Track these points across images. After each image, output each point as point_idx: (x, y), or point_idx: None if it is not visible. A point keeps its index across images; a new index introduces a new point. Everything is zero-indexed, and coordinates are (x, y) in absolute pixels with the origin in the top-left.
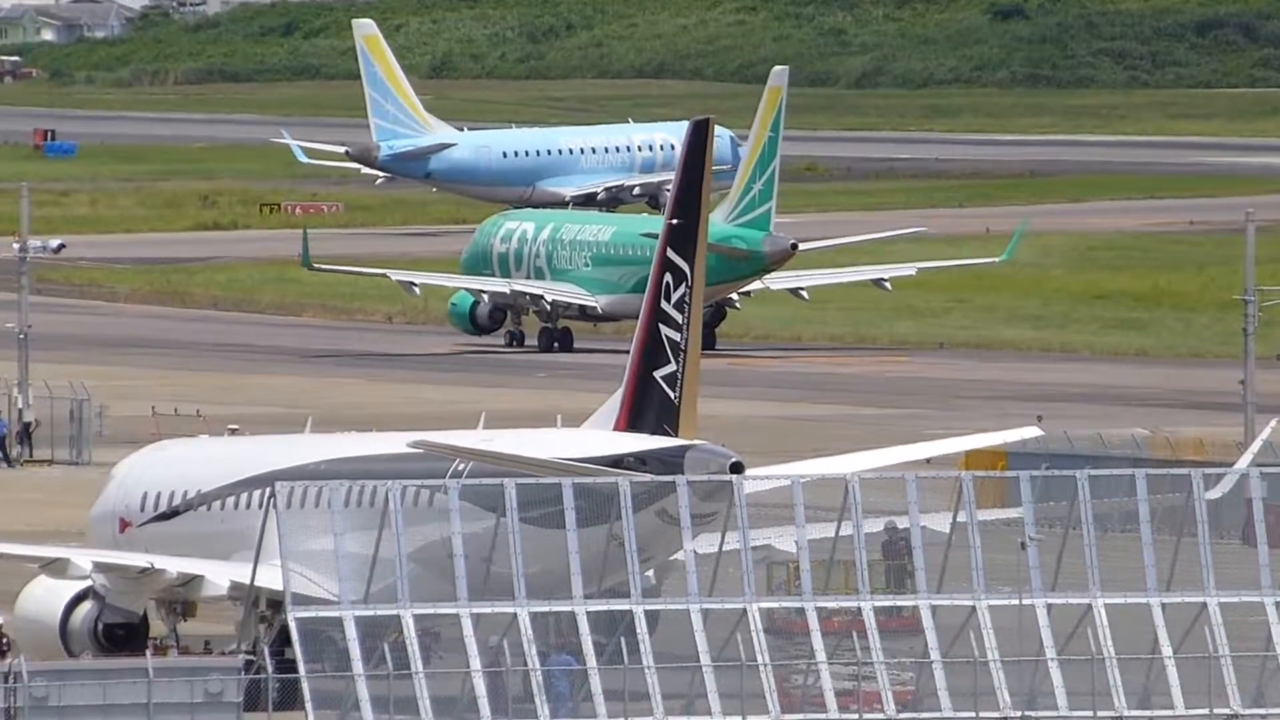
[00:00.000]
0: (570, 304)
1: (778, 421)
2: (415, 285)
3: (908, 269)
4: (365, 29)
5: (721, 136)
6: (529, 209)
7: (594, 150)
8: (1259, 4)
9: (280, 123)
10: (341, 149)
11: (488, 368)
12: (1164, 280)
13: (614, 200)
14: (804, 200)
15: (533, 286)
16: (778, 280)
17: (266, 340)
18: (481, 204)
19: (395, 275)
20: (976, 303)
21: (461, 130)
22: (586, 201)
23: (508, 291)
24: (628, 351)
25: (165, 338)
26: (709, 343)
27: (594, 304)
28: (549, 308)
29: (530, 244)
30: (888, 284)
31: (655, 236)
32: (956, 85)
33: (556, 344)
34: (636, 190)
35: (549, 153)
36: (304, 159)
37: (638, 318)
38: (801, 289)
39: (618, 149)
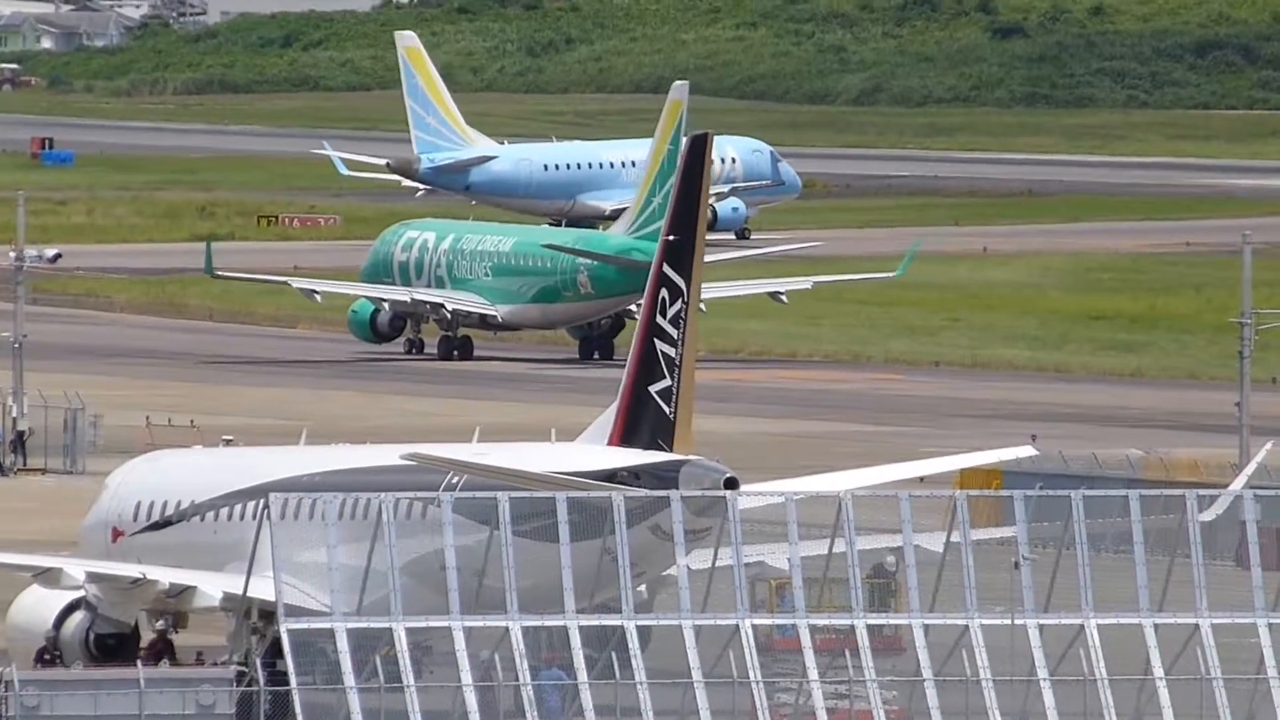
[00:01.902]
0: (470, 313)
1: (772, 438)
2: (317, 293)
3: (803, 282)
4: (407, 40)
5: (761, 151)
6: (430, 219)
7: (634, 164)
8: (1258, 26)
9: (279, 134)
10: (382, 161)
11: (486, 381)
12: (1160, 302)
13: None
14: (801, 217)
15: (433, 295)
16: None
17: (262, 352)
18: (523, 217)
19: (296, 283)
20: (972, 322)
21: (503, 143)
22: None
23: (408, 300)
24: (527, 359)
25: (161, 348)
26: (606, 352)
27: (494, 313)
28: (449, 316)
29: (431, 253)
30: (784, 297)
31: (555, 248)
32: (955, 103)
33: (456, 352)
34: None
35: (590, 166)
36: (345, 171)
37: (537, 327)
38: (699, 301)
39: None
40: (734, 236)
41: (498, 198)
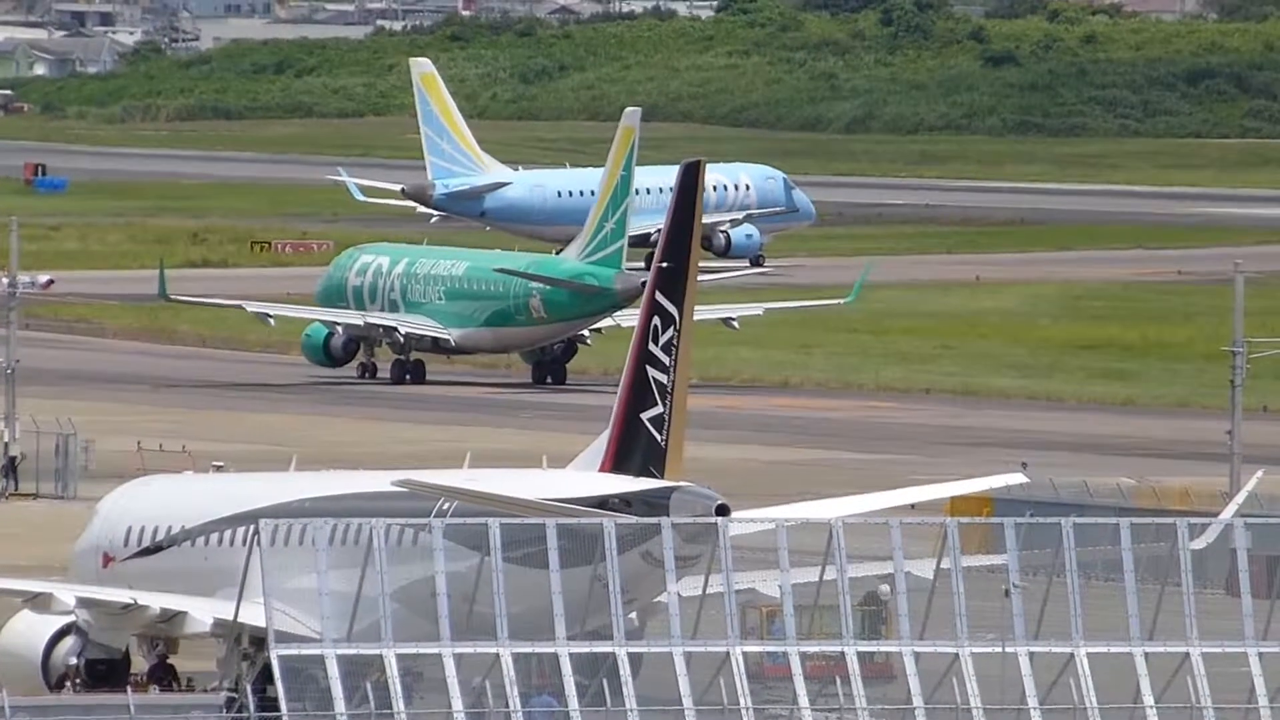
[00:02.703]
0: (423, 336)
1: (763, 465)
2: (270, 317)
3: (755, 309)
4: (422, 68)
5: (775, 178)
6: (384, 243)
7: (649, 191)
8: (1250, 55)
9: (272, 160)
10: (397, 187)
11: (475, 407)
12: (1152, 330)
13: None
14: (793, 244)
15: (387, 319)
16: (628, 317)
17: (252, 377)
18: (536, 244)
19: (251, 307)
20: (964, 350)
21: (517, 169)
22: (640, 243)
23: (362, 324)
24: (479, 383)
25: (152, 374)
26: (559, 377)
27: (447, 337)
28: (402, 340)
29: (385, 277)
30: (735, 323)
31: (508, 272)
32: (947, 131)
33: (409, 375)
34: None
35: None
36: (360, 197)
37: (490, 351)
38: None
39: (670, 190)
40: (748, 263)
41: (512, 224)
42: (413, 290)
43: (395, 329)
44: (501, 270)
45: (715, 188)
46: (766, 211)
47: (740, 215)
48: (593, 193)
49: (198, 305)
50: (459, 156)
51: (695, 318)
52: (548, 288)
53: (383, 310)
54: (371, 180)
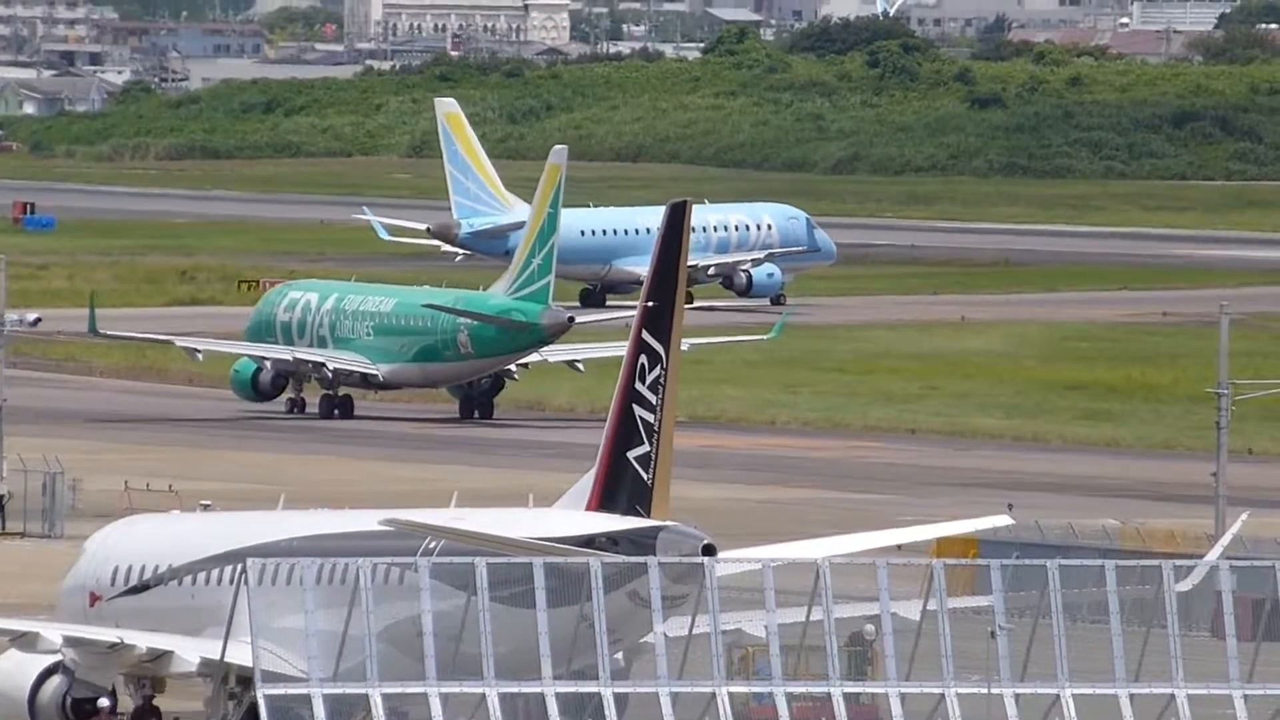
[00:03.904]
0: (352, 372)
1: (750, 505)
2: (199, 352)
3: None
4: (447, 107)
5: (797, 218)
6: (313, 279)
7: None
8: (1235, 97)
9: (260, 199)
10: (422, 227)
11: (458, 445)
12: (1137, 372)
13: (688, 280)
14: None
15: (315, 354)
16: (555, 353)
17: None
18: (560, 282)
19: (180, 342)
20: (949, 390)
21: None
22: None
23: (290, 359)
24: (408, 419)
25: (140, 413)
26: (486, 412)
27: (375, 372)
28: (330, 375)
29: (314, 313)
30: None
31: (436, 308)
32: (933, 173)
33: (337, 410)
34: (711, 270)
35: (625, 232)
36: (385, 236)
37: (417, 386)
38: (578, 361)
39: (694, 229)
40: (769, 302)
41: None
42: (341, 326)
43: (324, 364)
44: (429, 306)
45: (738, 227)
46: (788, 251)
47: (762, 254)
48: (615, 232)
49: (127, 341)
50: (483, 195)
51: (619, 353)
52: (475, 323)
53: (311, 346)
54: (397, 220)
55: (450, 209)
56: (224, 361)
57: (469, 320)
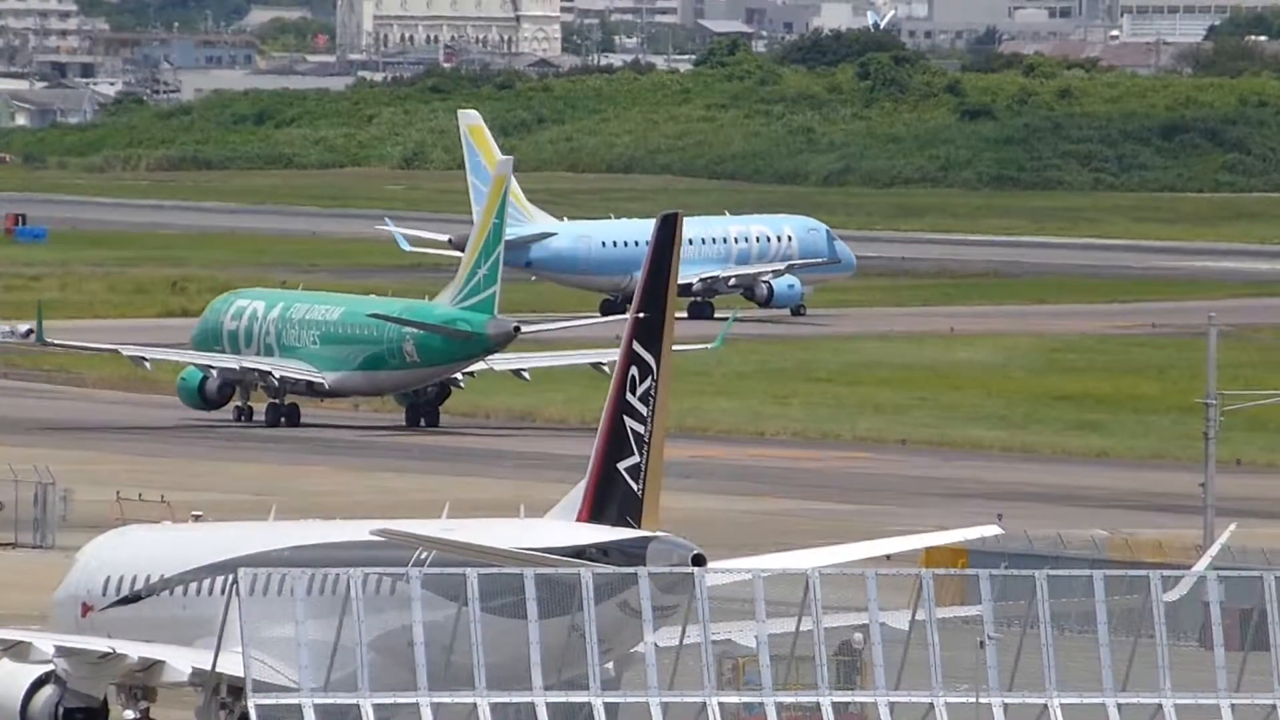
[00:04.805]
0: (298, 380)
1: (740, 515)
2: (146, 361)
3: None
4: (470, 119)
5: (818, 230)
6: (259, 288)
7: (690, 241)
8: (1224, 109)
9: (251, 210)
10: (444, 238)
11: (460, 458)
12: (1125, 383)
13: (709, 291)
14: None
15: (261, 363)
16: (501, 361)
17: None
18: (583, 293)
19: (126, 351)
20: (939, 401)
21: (562, 220)
22: (682, 292)
23: (237, 367)
24: (354, 426)
25: (132, 423)
26: (433, 420)
27: (321, 380)
28: (276, 384)
29: (261, 322)
30: (606, 368)
31: (382, 318)
32: (923, 185)
33: (283, 419)
34: (732, 281)
35: (646, 243)
36: (407, 247)
37: (363, 394)
38: (523, 370)
39: (714, 240)
40: (789, 313)
41: (558, 274)
42: (288, 334)
43: (270, 373)
44: (375, 316)
45: (759, 238)
46: (809, 262)
47: (783, 266)
48: (637, 243)
49: (74, 350)
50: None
51: (566, 362)
52: (420, 332)
53: (258, 354)
54: (421, 231)
55: (472, 220)
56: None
57: (415, 330)
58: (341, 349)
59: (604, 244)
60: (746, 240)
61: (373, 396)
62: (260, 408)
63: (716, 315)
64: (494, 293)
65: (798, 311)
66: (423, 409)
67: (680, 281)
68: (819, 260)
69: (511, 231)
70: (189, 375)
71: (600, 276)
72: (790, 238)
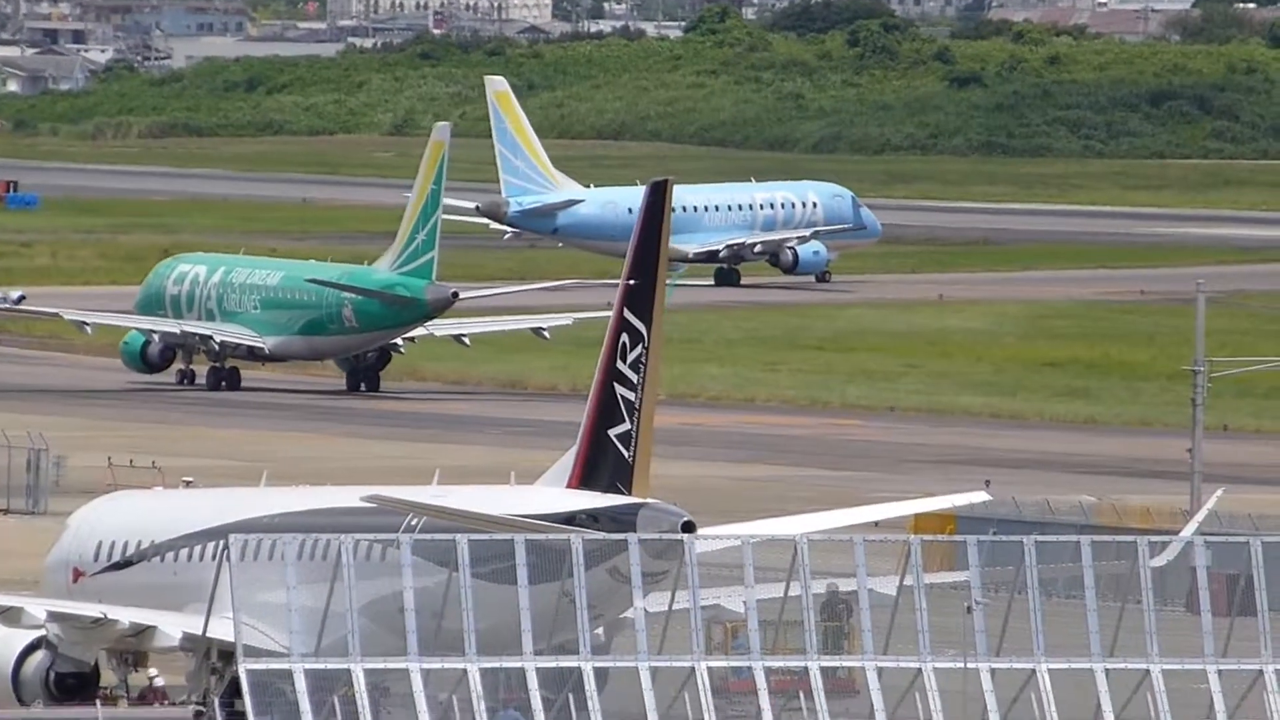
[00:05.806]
0: (238, 344)
1: (729, 482)
2: (87, 325)
3: (565, 319)
4: (497, 85)
5: (843, 196)
6: (200, 253)
7: (717, 208)
8: (1212, 76)
9: (242, 178)
10: (471, 205)
11: (442, 424)
12: (1114, 349)
13: (735, 258)
14: (761, 266)
15: (202, 327)
16: (440, 327)
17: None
18: (609, 260)
19: (68, 315)
20: (928, 368)
21: (589, 186)
22: (708, 259)
23: (178, 332)
24: (294, 390)
25: (123, 389)
26: (373, 384)
27: (261, 345)
28: (218, 348)
29: (202, 286)
30: (546, 333)
31: (320, 283)
32: (913, 152)
33: (224, 383)
34: (758, 248)
35: (673, 210)
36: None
37: (303, 359)
38: (464, 335)
39: (740, 207)
40: (815, 279)
41: (585, 240)
42: (228, 299)
43: (211, 337)
44: (314, 281)
45: (784, 205)
46: (834, 229)
47: (808, 233)
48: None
49: (20, 314)
50: (532, 174)
51: (506, 327)
52: (359, 298)
53: (199, 319)
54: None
55: (500, 187)
56: None
57: (353, 295)
58: (281, 314)
59: (631, 211)
60: (771, 206)
61: (313, 361)
62: (203, 372)
63: (742, 283)
64: (432, 258)
65: (823, 278)
66: (363, 374)
67: (706, 248)
68: (844, 226)
69: (538, 198)
70: (132, 339)
71: (626, 244)
72: (815, 204)
